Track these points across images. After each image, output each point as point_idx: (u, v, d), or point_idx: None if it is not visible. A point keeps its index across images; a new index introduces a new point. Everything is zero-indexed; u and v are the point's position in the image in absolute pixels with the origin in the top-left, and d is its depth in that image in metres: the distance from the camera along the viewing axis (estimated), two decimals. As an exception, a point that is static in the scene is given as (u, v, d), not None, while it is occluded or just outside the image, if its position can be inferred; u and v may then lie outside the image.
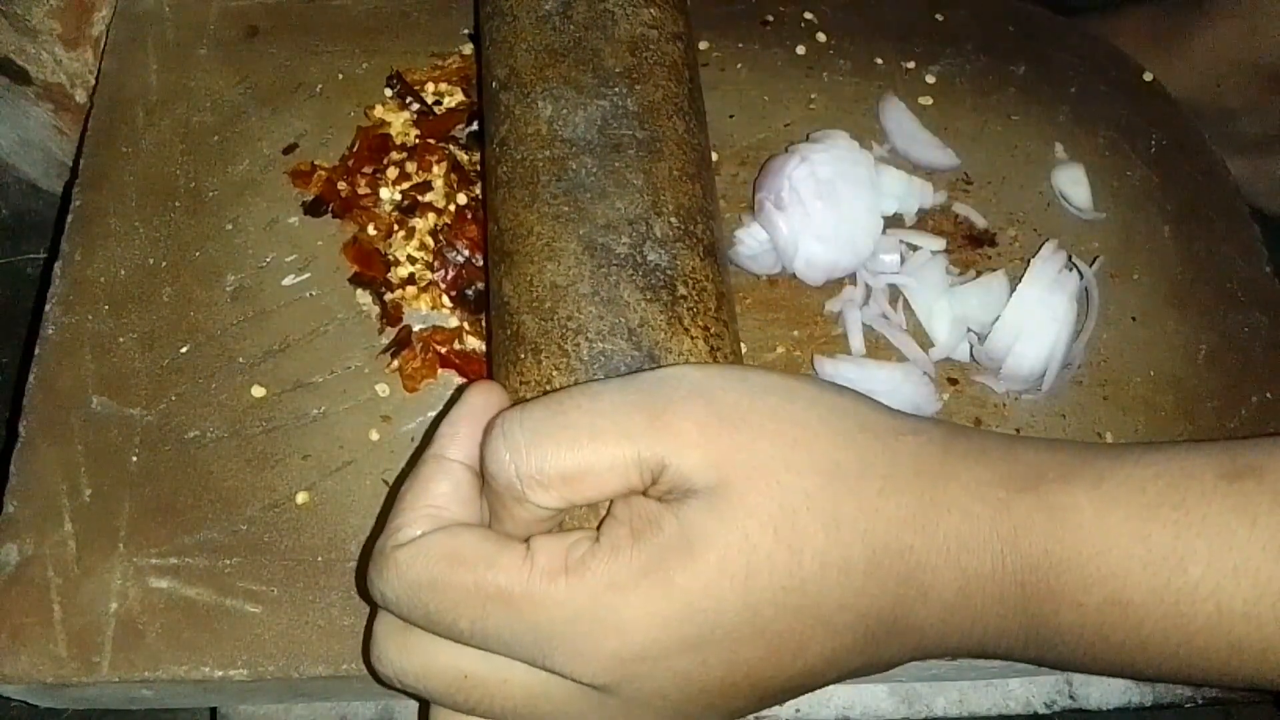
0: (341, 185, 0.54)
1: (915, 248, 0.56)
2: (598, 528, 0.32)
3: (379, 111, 0.57)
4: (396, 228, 0.53)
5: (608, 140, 0.42)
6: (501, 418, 0.33)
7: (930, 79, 0.62)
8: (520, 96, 0.45)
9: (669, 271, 0.40)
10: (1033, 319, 0.52)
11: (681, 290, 0.40)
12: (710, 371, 0.34)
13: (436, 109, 0.57)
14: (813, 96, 0.61)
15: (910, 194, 0.57)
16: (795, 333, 0.53)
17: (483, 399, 0.36)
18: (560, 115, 0.43)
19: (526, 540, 0.32)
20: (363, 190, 0.54)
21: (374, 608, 0.35)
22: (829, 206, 0.52)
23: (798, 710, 0.52)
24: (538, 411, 0.32)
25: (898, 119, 0.60)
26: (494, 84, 0.46)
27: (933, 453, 0.33)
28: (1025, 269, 0.54)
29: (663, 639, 0.30)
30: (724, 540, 0.30)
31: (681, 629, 0.30)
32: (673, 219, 0.41)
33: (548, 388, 0.38)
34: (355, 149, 0.55)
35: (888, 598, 0.32)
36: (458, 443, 0.35)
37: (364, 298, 0.52)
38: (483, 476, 0.34)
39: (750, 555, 0.30)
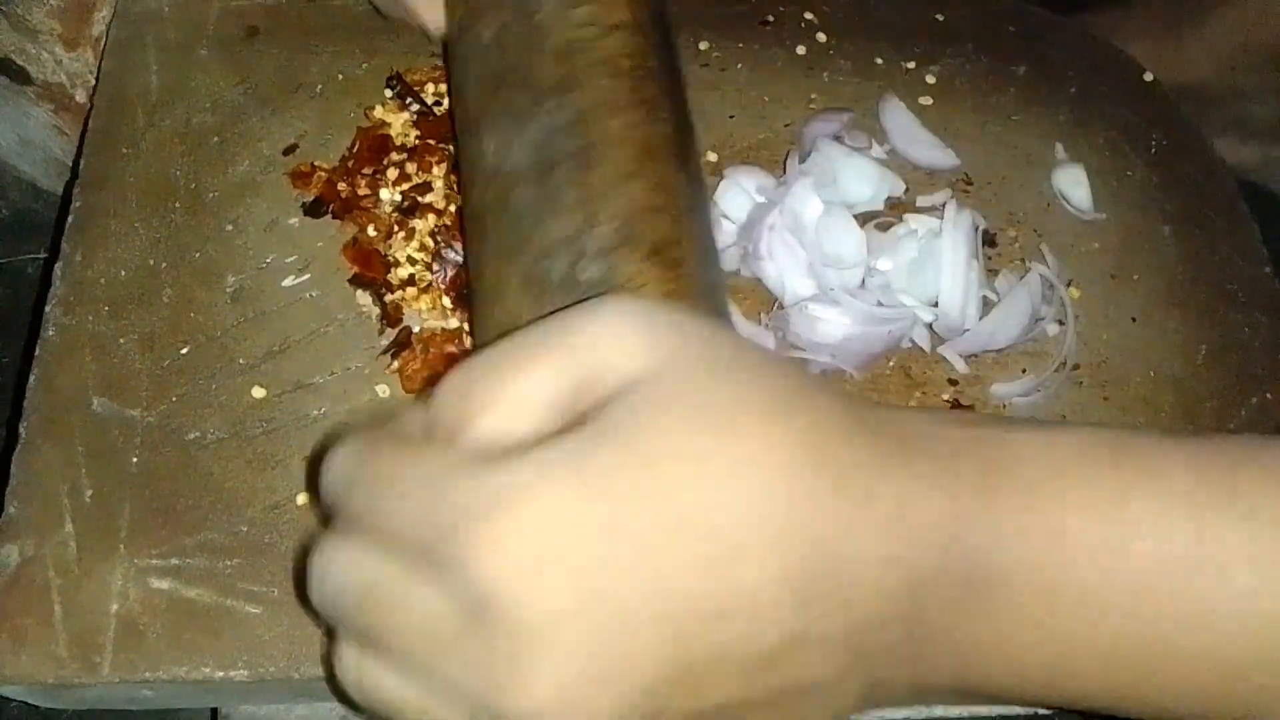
0: (342, 186, 0.54)
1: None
2: None
3: (379, 112, 0.57)
4: (396, 229, 0.53)
5: (543, 161, 0.40)
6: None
7: (930, 79, 0.62)
8: (470, 134, 0.43)
9: (607, 285, 0.38)
10: (947, 266, 0.53)
11: None
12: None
13: (437, 110, 0.57)
14: (813, 96, 0.61)
15: (883, 180, 0.57)
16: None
17: None
18: (501, 146, 0.42)
19: None
20: (363, 191, 0.54)
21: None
22: (804, 246, 0.53)
23: None
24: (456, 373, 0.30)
25: (897, 119, 0.60)
26: (455, 127, 0.45)
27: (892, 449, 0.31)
28: (1026, 270, 0.55)
29: (568, 525, 0.26)
30: (643, 427, 0.27)
31: (589, 515, 0.27)
32: (610, 225, 0.39)
33: None
34: (355, 150, 0.55)
35: (827, 525, 0.28)
36: None
37: (364, 299, 0.52)
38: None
39: (670, 444, 0.27)
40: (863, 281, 0.53)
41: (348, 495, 0.30)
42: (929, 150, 0.59)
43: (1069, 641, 0.30)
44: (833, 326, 0.51)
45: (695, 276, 0.40)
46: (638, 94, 0.42)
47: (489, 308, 0.40)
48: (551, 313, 0.31)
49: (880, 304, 0.53)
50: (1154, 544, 0.30)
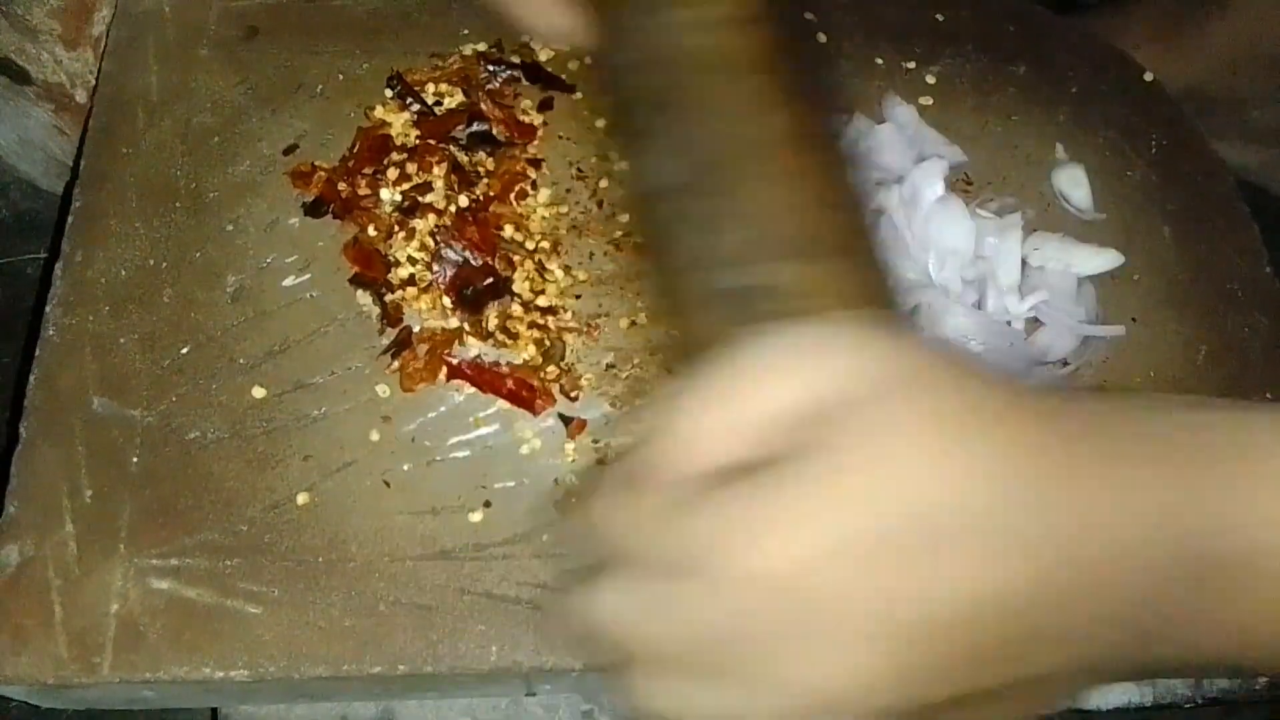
0: (342, 186, 0.54)
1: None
2: None
3: (379, 112, 0.57)
4: (397, 228, 0.53)
5: (693, 177, 0.42)
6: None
7: (930, 79, 0.62)
8: (631, 158, 0.44)
9: (770, 291, 0.39)
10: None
11: (800, 304, 0.38)
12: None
13: (436, 109, 0.57)
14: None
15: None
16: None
17: None
18: (654, 166, 0.42)
19: None
20: (363, 191, 0.54)
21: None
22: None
23: None
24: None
25: (900, 117, 0.60)
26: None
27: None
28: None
29: (832, 540, 0.28)
30: (866, 448, 0.29)
31: (844, 531, 0.28)
32: (763, 230, 0.40)
33: None
34: (355, 150, 0.55)
35: (1061, 526, 0.29)
36: None
37: (364, 298, 0.52)
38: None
39: (895, 463, 0.29)
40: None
41: (605, 551, 0.32)
42: (935, 148, 0.59)
43: None
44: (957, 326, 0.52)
45: (855, 271, 0.40)
46: (766, 89, 0.43)
47: (669, 327, 0.41)
48: (723, 325, 0.34)
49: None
50: None
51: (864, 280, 0.40)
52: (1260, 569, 0.31)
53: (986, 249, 0.55)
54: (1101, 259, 0.56)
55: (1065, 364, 0.54)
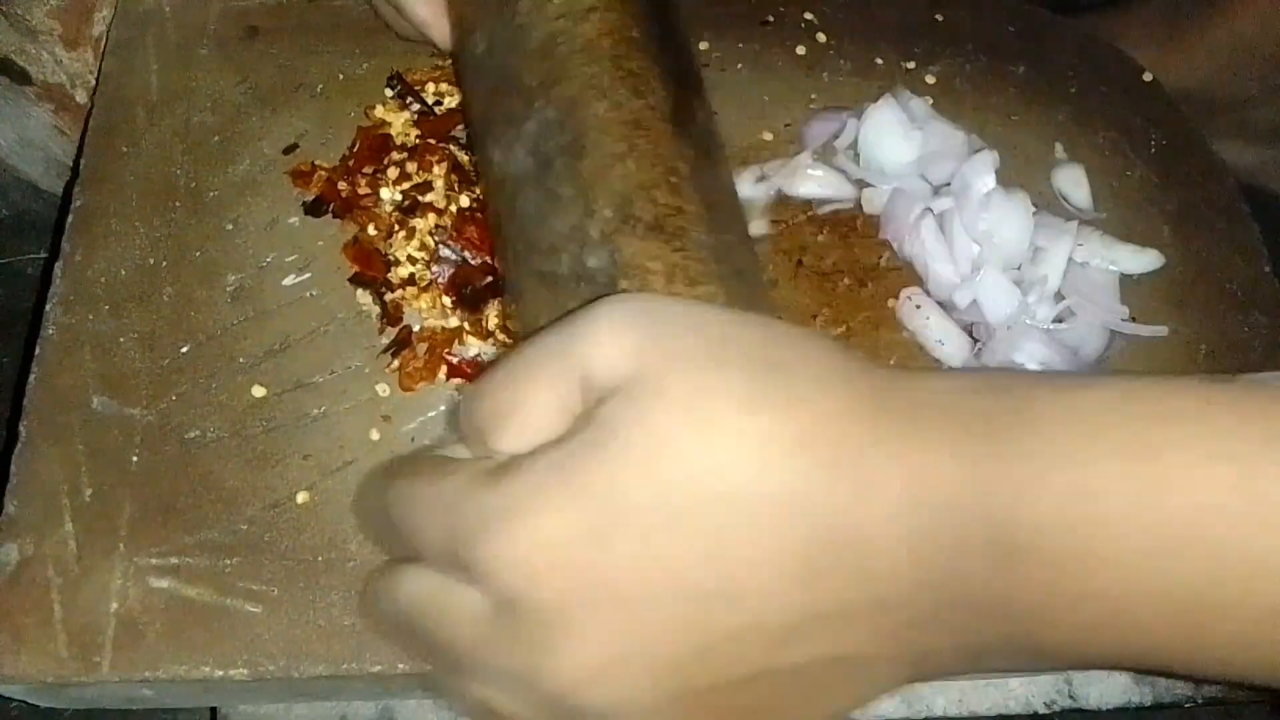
0: (342, 185, 0.54)
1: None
2: None
3: (379, 112, 0.57)
4: (397, 228, 0.53)
5: (541, 161, 0.41)
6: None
7: (930, 79, 0.62)
8: (479, 146, 0.45)
9: (609, 271, 0.38)
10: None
11: (624, 284, 0.38)
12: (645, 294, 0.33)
13: (437, 109, 0.57)
14: (813, 96, 0.61)
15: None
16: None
17: None
18: (505, 153, 0.43)
19: None
20: (363, 190, 0.54)
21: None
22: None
23: None
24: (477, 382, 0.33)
25: (915, 110, 0.60)
26: (470, 140, 0.46)
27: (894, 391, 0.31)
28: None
29: (565, 528, 0.28)
30: (629, 425, 0.28)
31: (584, 516, 0.28)
32: (606, 212, 0.39)
33: None
34: (356, 149, 0.55)
35: (827, 502, 0.28)
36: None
37: (364, 298, 0.52)
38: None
39: (655, 438, 0.28)
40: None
41: (396, 525, 0.33)
42: (949, 139, 0.59)
43: (1112, 601, 0.29)
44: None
45: (703, 243, 0.40)
46: (621, 70, 0.42)
47: (514, 311, 0.42)
48: (567, 311, 0.33)
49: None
50: (1191, 497, 0.28)
51: (697, 249, 0.39)
52: (1050, 548, 0.29)
53: (1040, 241, 0.55)
54: (1144, 259, 0.56)
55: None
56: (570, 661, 0.29)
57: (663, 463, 0.28)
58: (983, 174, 0.54)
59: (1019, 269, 0.54)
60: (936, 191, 0.56)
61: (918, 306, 0.53)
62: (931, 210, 0.54)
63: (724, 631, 0.29)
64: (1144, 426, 0.29)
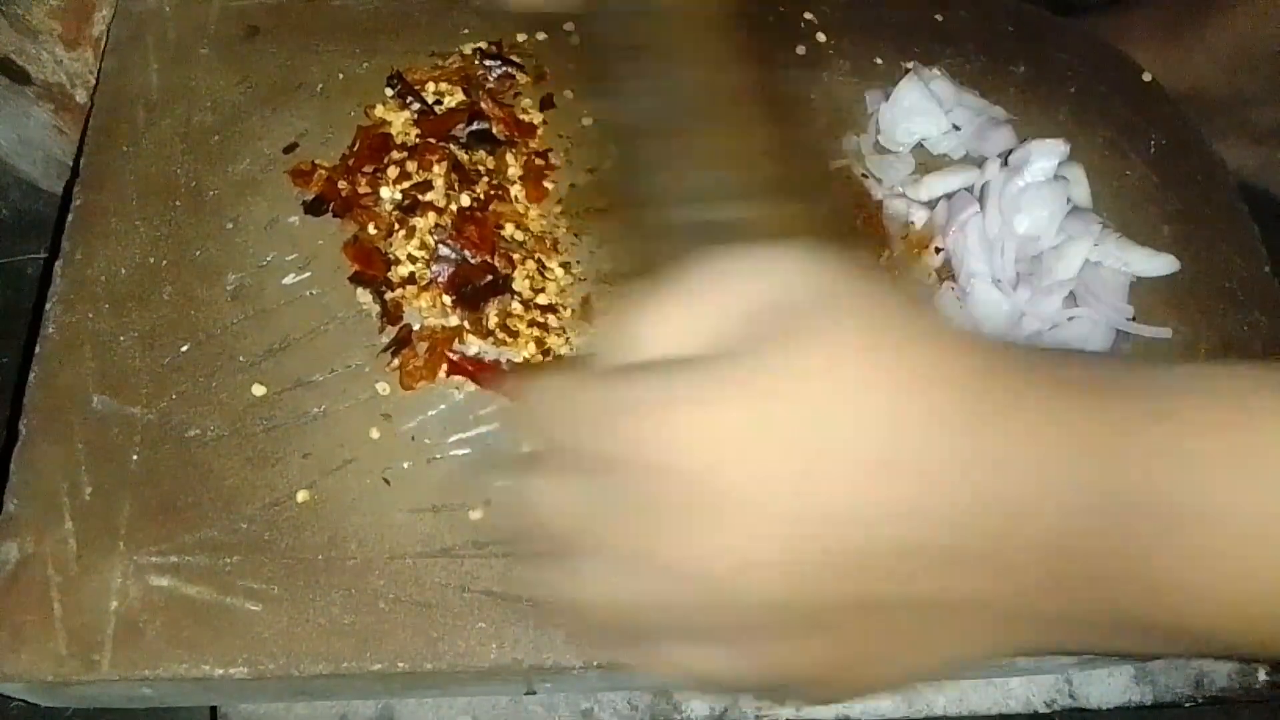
0: (342, 184, 0.54)
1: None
2: None
3: (379, 111, 0.57)
4: (397, 227, 0.53)
5: (665, 118, 0.43)
6: None
7: (930, 79, 0.62)
8: (599, 98, 0.45)
9: (731, 225, 0.40)
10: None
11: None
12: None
13: (437, 108, 0.57)
14: (813, 97, 0.61)
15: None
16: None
17: None
18: (624, 108, 0.44)
19: None
20: (363, 189, 0.54)
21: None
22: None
23: (798, 709, 0.52)
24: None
25: (944, 88, 0.61)
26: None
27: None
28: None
29: (748, 420, 0.29)
30: (819, 346, 0.29)
31: (769, 413, 0.29)
32: (726, 171, 0.41)
33: None
34: (356, 148, 0.55)
35: (981, 451, 0.29)
36: None
37: (364, 296, 0.52)
38: None
39: (840, 364, 0.29)
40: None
41: (544, 439, 0.33)
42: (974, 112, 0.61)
43: (1253, 576, 0.30)
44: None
45: (810, 214, 0.41)
46: (733, 45, 0.45)
47: (628, 258, 0.42)
48: (680, 253, 0.33)
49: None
50: None
51: (819, 224, 0.41)
52: (1181, 533, 0.30)
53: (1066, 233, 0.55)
54: (1158, 262, 0.56)
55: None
56: (736, 545, 0.29)
57: (822, 393, 0.29)
58: (1048, 156, 0.55)
59: (1038, 256, 0.55)
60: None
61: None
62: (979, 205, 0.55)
63: (858, 554, 0.29)
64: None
